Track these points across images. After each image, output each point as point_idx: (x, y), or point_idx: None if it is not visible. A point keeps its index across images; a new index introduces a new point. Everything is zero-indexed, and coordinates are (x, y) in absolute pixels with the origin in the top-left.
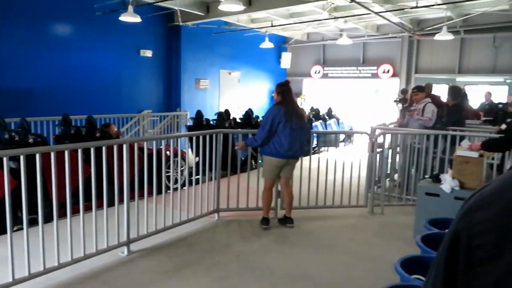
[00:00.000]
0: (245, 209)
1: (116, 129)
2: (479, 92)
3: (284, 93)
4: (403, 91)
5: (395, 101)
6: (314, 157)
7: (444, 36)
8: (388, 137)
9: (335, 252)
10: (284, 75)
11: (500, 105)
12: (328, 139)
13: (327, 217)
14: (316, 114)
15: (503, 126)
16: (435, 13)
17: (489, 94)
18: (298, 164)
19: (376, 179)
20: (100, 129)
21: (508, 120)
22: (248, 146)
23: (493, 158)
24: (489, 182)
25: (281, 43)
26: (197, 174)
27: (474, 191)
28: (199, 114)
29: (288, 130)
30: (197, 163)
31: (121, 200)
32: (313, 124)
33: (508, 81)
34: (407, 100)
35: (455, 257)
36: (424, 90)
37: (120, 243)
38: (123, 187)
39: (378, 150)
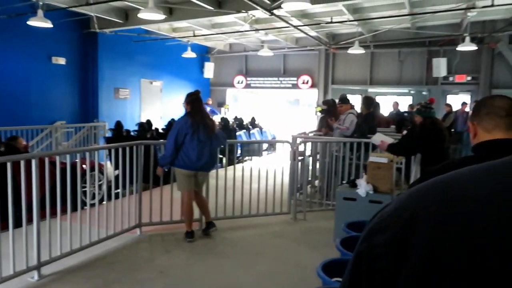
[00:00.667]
0: (169, 222)
1: (24, 143)
2: (388, 102)
3: (193, 103)
4: (327, 102)
5: (320, 111)
6: (238, 166)
7: (356, 50)
8: (309, 145)
9: (260, 261)
10: (207, 85)
11: (406, 114)
12: (252, 148)
13: (252, 226)
14: (239, 124)
15: (404, 132)
16: (348, 28)
17: (396, 104)
18: (221, 174)
19: (298, 186)
20: (5, 142)
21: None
22: (164, 166)
23: (401, 163)
24: (390, 202)
25: (204, 53)
26: (117, 188)
27: (380, 210)
28: (118, 125)
29: (195, 141)
30: (117, 177)
31: (30, 220)
32: (237, 133)
33: (412, 92)
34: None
35: (358, 280)
36: (348, 102)
37: (29, 268)
38: (32, 205)
39: (300, 158)
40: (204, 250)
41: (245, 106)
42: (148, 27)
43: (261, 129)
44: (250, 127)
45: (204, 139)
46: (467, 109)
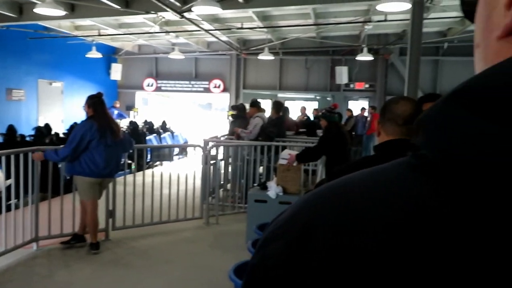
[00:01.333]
0: (71, 234)
1: None
2: (297, 106)
3: (96, 106)
4: (236, 107)
5: (231, 116)
6: (148, 171)
7: (266, 56)
8: (221, 149)
9: (171, 268)
10: (115, 87)
11: (315, 120)
12: (162, 153)
13: (163, 233)
14: (149, 128)
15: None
16: (258, 35)
17: (304, 109)
18: (129, 180)
19: (211, 190)
20: None
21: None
22: (47, 159)
23: (309, 165)
24: (285, 209)
25: (111, 53)
26: (10, 199)
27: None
28: (11, 129)
29: (102, 147)
30: (9, 187)
31: None
32: (147, 138)
33: (318, 97)
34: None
35: None
36: (254, 105)
37: None
38: None
39: (212, 162)
40: (111, 262)
41: (156, 110)
42: (47, 24)
43: (172, 133)
44: (161, 131)
45: (111, 144)
46: (366, 113)
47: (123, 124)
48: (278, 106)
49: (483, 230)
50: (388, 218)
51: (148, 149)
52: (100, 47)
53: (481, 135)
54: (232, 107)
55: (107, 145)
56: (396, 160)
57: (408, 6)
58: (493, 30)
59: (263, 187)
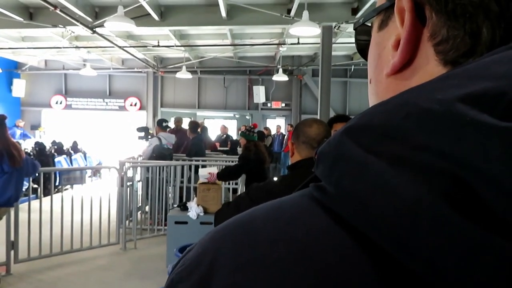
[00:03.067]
0: None
1: None
2: (217, 125)
3: None
4: (142, 129)
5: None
6: (57, 197)
7: (184, 74)
8: (139, 170)
9: None
10: (18, 105)
11: (236, 139)
12: (73, 176)
13: (75, 262)
14: (58, 149)
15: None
16: (176, 53)
17: (224, 128)
18: (35, 206)
19: (128, 213)
20: None
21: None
22: None
23: (229, 183)
24: (193, 246)
25: (13, 68)
26: None
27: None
28: None
29: None
30: None
31: None
32: (56, 159)
33: (237, 116)
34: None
35: None
36: (158, 124)
37: None
38: None
39: (129, 183)
40: None
41: (66, 129)
42: None
43: (85, 154)
44: (72, 152)
45: (8, 170)
46: (282, 130)
47: (27, 145)
48: (194, 126)
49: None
50: (280, 253)
51: (57, 171)
52: (0, 62)
53: (368, 169)
54: (137, 129)
55: (3, 172)
56: (301, 191)
57: (318, 31)
58: (383, 68)
59: (184, 207)
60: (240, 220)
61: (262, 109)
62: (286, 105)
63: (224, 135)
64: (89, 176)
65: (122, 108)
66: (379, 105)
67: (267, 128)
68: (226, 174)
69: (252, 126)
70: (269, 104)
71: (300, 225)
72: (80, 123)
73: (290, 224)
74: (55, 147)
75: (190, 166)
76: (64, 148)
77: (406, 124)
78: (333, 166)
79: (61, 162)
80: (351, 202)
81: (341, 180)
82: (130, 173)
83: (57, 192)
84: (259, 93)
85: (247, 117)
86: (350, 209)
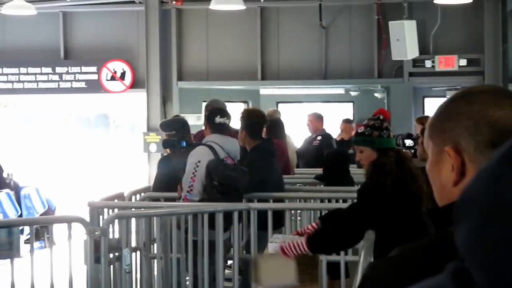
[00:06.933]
0: None
1: None
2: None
3: None
4: (171, 124)
5: (167, 144)
6: None
7: (228, 3)
8: (133, 224)
9: None
10: None
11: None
12: None
13: None
14: None
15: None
16: None
17: (316, 120)
18: None
19: None
20: None
21: None
22: None
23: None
24: None
25: None
26: None
27: None
28: None
29: None
30: None
31: None
32: None
33: (354, 93)
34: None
35: None
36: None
37: None
38: None
39: (111, 255)
40: None
41: None
42: None
43: (18, 190)
44: None
45: None
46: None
47: None
48: (250, 121)
49: None
50: None
51: None
52: None
53: None
54: (162, 125)
55: None
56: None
57: None
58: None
59: None
60: None
61: (412, 75)
62: (470, 62)
63: (319, 137)
64: (27, 241)
65: (94, 85)
66: None
67: (420, 119)
68: (328, 237)
69: (380, 117)
70: (428, 63)
71: None
72: (6, 120)
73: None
74: None
75: (247, 213)
76: None
77: None
78: (484, 227)
79: None
80: None
81: (499, 262)
82: (115, 231)
83: None
84: (404, 38)
85: (377, 94)
86: None
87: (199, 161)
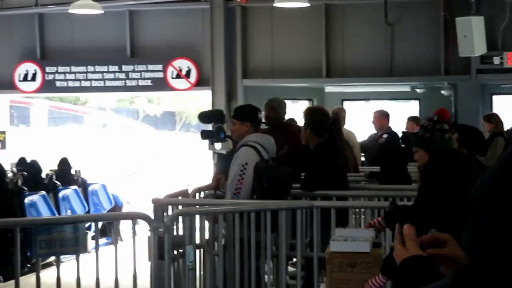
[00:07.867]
0: None
1: None
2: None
3: None
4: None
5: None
6: (29, 279)
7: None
8: (197, 221)
9: None
10: None
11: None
12: (60, 236)
13: None
14: (31, 177)
15: None
16: None
17: (382, 117)
18: None
19: None
20: None
21: None
22: None
23: None
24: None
25: None
26: None
27: None
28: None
29: None
30: None
31: None
32: (27, 200)
33: (420, 90)
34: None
35: None
36: (247, 119)
37: None
38: None
39: (174, 252)
40: None
41: (46, 134)
42: None
43: (85, 186)
44: (58, 183)
45: None
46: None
47: None
48: (315, 119)
49: None
50: None
51: (31, 228)
52: None
53: None
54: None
55: None
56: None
57: None
58: None
59: None
60: None
61: (479, 72)
62: None
63: (385, 135)
64: (93, 237)
65: (160, 83)
66: None
67: (487, 117)
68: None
69: (434, 118)
70: (496, 60)
71: None
72: (75, 120)
73: None
74: (24, 173)
75: (310, 210)
76: (44, 174)
77: None
78: (482, 226)
79: (37, 205)
80: None
81: (497, 261)
82: (179, 228)
83: (29, 271)
84: (471, 35)
85: (444, 92)
86: None
87: (246, 163)
